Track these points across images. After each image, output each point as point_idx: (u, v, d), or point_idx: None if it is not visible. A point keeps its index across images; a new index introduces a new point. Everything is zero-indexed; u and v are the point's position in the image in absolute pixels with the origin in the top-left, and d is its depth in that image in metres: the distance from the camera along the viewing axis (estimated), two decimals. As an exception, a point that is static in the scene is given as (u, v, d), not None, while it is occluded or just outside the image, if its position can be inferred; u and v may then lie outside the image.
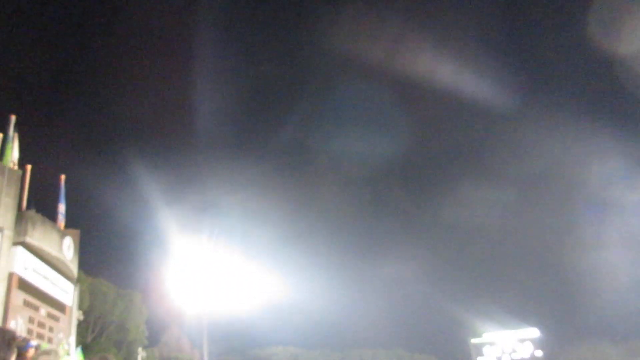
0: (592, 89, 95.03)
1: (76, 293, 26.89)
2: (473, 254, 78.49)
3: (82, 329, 33.85)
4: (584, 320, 64.16)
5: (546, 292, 67.12)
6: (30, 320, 21.66)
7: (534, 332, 56.28)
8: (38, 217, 22.53)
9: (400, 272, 75.89)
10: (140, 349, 38.13)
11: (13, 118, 22.66)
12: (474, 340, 56.79)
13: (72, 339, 24.87)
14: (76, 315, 26.85)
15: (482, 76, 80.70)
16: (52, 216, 25.05)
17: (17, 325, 20.03)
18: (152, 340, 46.07)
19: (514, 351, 55.51)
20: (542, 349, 55.56)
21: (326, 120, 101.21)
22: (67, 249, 24.54)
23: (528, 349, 55.47)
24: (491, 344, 56.32)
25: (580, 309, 65.35)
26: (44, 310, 22.80)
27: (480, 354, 56.03)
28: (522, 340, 55.90)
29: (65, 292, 25.10)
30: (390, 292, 72.35)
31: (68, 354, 13.75)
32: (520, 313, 57.72)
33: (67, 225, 26.36)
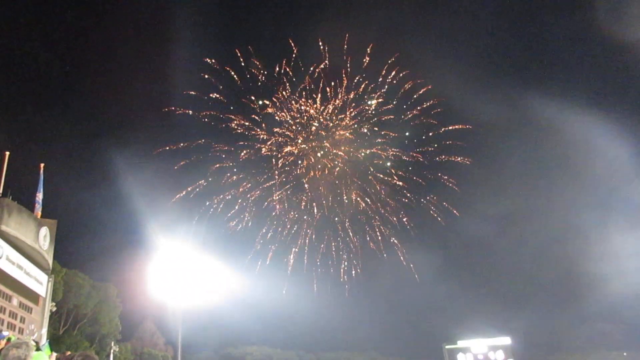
0: (599, 76, 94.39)
1: (50, 284, 26.51)
2: (456, 264, 78.82)
3: (54, 320, 33.32)
4: (556, 331, 65.25)
5: (521, 303, 67.94)
6: (2, 310, 21.37)
7: (506, 340, 57.21)
8: (14, 205, 22.23)
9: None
10: (113, 343, 37.68)
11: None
12: (448, 346, 57.41)
13: (44, 330, 24.55)
14: (49, 306, 26.45)
15: (483, 65, 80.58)
16: (29, 205, 24.72)
17: (-12, 314, 19.75)
18: (126, 335, 45.64)
19: (487, 358, 56.29)
20: (513, 356, 56.50)
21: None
22: (43, 239, 24.23)
23: (500, 357, 56.32)
24: (464, 350, 57.00)
25: (553, 320, 66.44)
26: (16, 300, 22.50)
27: (454, 360, 56.72)
28: (495, 348, 56.71)
29: (40, 282, 24.77)
30: (366, 296, 72.65)
31: (38, 348, 13.56)
32: (494, 322, 58.59)
33: (44, 215, 26.01)
